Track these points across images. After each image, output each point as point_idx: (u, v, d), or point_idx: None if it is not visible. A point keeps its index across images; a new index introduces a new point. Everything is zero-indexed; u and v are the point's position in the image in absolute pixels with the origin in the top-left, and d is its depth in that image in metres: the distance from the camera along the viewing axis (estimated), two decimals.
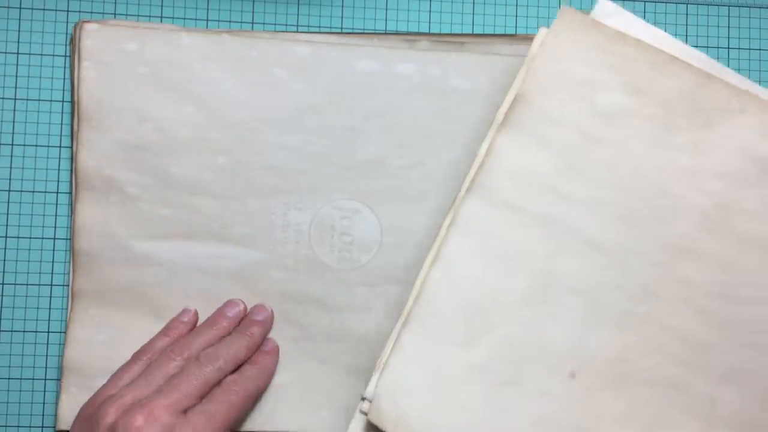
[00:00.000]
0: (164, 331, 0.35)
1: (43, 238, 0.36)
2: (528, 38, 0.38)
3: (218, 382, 0.32)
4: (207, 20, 0.38)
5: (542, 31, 0.32)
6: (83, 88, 0.35)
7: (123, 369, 0.33)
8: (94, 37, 0.35)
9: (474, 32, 0.39)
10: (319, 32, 0.38)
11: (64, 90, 0.37)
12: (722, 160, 0.30)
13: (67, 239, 0.36)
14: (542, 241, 0.31)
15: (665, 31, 0.40)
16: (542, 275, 0.31)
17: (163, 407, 0.30)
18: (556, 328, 0.31)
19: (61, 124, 0.37)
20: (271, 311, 0.36)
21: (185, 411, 0.31)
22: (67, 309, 0.36)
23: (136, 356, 0.34)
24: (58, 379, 0.36)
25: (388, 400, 0.30)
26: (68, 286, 0.36)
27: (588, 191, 0.31)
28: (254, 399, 0.34)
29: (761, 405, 0.30)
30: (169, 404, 0.30)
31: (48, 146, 0.37)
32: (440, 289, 0.31)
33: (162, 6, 0.38)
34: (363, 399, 0.32)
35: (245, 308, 0.36)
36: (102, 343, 0.35)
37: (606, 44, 0.31)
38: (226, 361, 0.33)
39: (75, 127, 0.36)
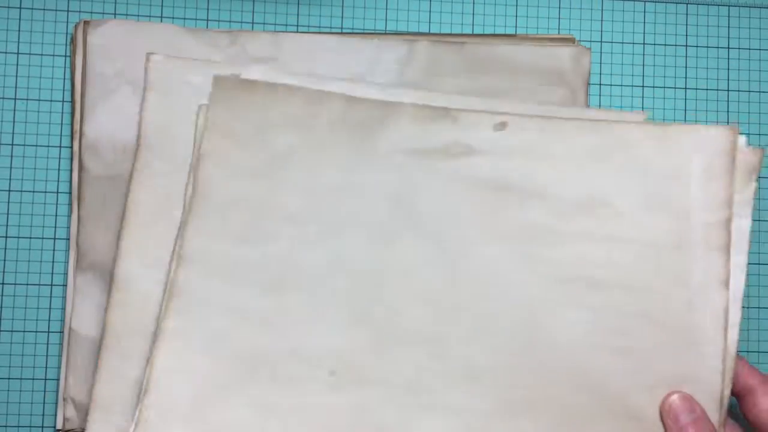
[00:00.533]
0: None
1: (43, 238, 0.36)
2: (528, 38, 0.38)
3: None
4: (207, 20, 0.38)
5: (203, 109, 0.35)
6: (146, 117, 0.35)
7: None
8: (160, 68, 0.35)
9: (474, 32, 0.39)
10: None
11: (64, 90, 0.37)
12: (390, 160, 0.34)
13: (66, 239, 0.36)
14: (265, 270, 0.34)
15: (665, 30, 0.40)
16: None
17: None
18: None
19: (61, 124, 0.37)
20: None
21: None
22: (62, 309, 0.36)
23: None
24: (57, 379, 0.36)
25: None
26: (65, 285, 0.36)
27: (290, 219, 0.34)
28: None
29: None
30: None
31: (48, 146, 0.37)
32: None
33: (162, 6, 0.38)
34: None
35: None
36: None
37: (262, 95, 0.34)
38: None
39: (75, 127, 0.36)
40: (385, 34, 0.38)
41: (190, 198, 0.34)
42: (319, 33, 0.38)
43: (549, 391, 0.33)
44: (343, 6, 0.38)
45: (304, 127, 0.34)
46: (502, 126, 0.34)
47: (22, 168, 0.37)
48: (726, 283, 0.33)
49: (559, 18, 0.39)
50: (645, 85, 0.39)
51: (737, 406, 0.34)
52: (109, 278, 0.34)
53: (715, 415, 0.33)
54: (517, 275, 0.34)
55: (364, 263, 0.34)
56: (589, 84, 0.38)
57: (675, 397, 0.33)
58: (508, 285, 0.34)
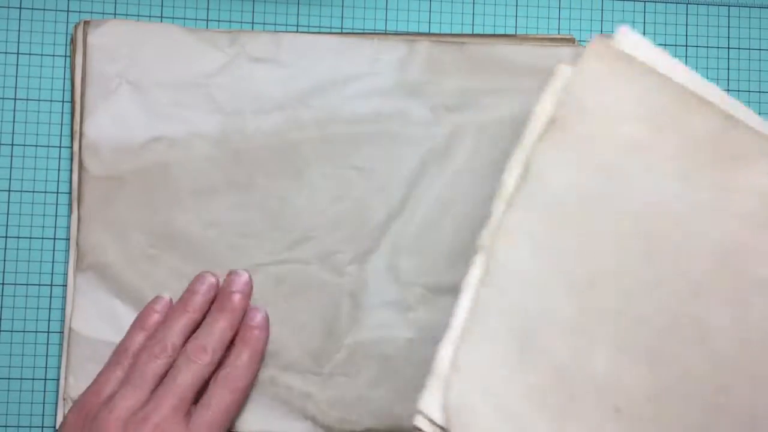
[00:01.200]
0: (139, 324, 0.33)
1: (43, 238, 0.36)
2: (528, 38, 0.38)
3: (211, 375, 0.31)
4: (207, 20, 0.38)
5: (562, 69, 0.32)
6: None
7: (104, 372, 0.32)
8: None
9: (474, 32, 0.39)
10: None
11: (64, 90, 0.37)
12: (741, 202, 0.30)
13: (66, 239, 0.36)
14: (580, 266, 0.30)
15: (665, 30, 0.40)
16: (580, 301, 0.30)
17: (168, 419, 0.29)
18: (596, 358, 0.30)
19: (61, 124, 0.37)
20: (249, 276, 0.34)
21: (186, 414, 0.30)
22: (62, 310, 0.36)
23: (115, 357, 0.32)
24: (57, 379, 0.36)
25: (456, 421, 0.28)
26: (65, 285, 0.36)
27: (611, 222, 0.30)
28: (251, 385, 0.33)
29: None
30: (172, 413, 0.29)
31: (48, 146, 0.37)
32: (492, 310, 0.30)
33: (162, 6, 0.38)
34: (419, 413, 0.29)
35: (218, 280, 0.34)
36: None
37: (635, 78, 0.31)
38: (215, 349, 0.31)
39: (75, 127, 0.36)
40: (385, 34, 0.38)
41: (527, 161, 0.31)
42: (320, 33, 0.38)
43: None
44: (343, 6, 0.38)
45: (664, 129, 0.30)
46: None
47: (22, 168, 0.37)
48: None
49: (559, 18, 0.39)
50: None
51: None
52: (108, 278, 0.35)
53: None
54: None
55: (670, 303, 0.30)
56: None
57: None
58: None
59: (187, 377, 0.30)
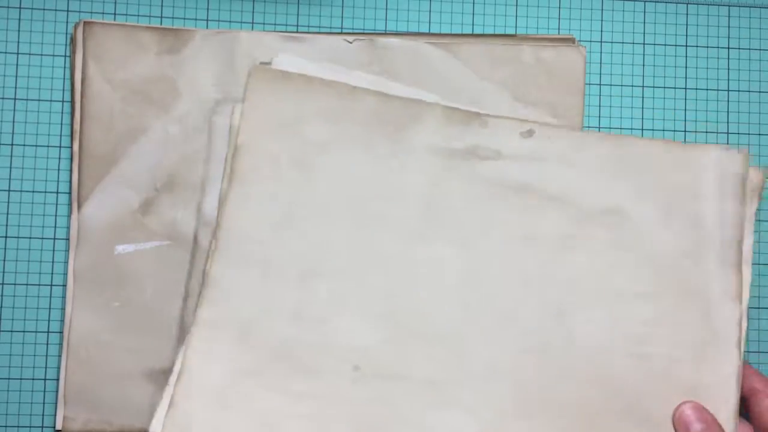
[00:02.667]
0: None
1: (43, 238, 0.36)
2: (528, 38, 0.38)
3: None
4: (207, 20, 0.38)
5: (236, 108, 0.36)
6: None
7: None
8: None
9: (474, 32, 0.39)
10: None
11: (64, 90, 0.37)
12: (419, 158, 0.35)
13: (66, 239, 0.36)
14: (303, 261, 0.35)
15: (665, 30, 0.40)
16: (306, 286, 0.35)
17: None
18: (337, 328, 0.34)
19: (61, 124, 0.37)
20: None
21: None
22: (62, 309, 0.36)
23: None
24: (57, 379, 0.36)
25: None
26: (65, 286, 0.36)
27: (322, 211, 0.35)
28: None
29: None
30: None
31: (48, 146, 0.37)
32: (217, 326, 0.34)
33: (162, 6, 0.38)
34: None
35: None
36: None
37: (297, 87, 0.35)
38: None
39: (75, 126, 0.36)
40: (385, 34, 0.38)
41: (226, 189, 0.35)
42: (315, 33, 0.38)
43: (565, 393, 0.34)
44: (343, 6, 0.38)
45: (338, 121, 0.35)
46: (529, 134, 0.36)
47: (22, 168, 0.37)
48: (739, 298, 0.35)
49: (559, 18, 0.39)
50: (645, 85, 0.39)
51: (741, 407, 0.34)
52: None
53: (729, 423, 0.34)
54: (537, 278, 0.35)
55: (392, 259, 0.35)
56: (585, 82, 0.38)
57: (686, 407, 0.33)
58: (529, 286, 0.35)
59: None
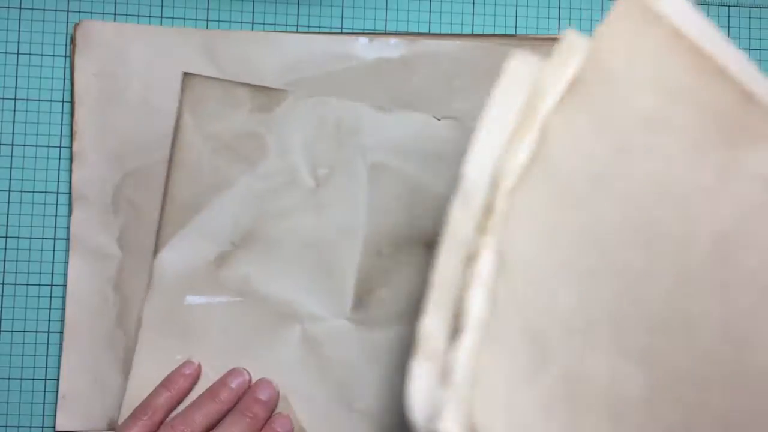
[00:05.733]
0: (165, 384, 0.34)
1: (43, 238, 0.36)
2: (528, 38, 0.38)
3: None
4: (207, 20, 0.38)
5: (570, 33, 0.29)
6: None
7: (125, 425, 0.33)
8: None
9: (474, 32, 0.39)
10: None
11: (64, 90, 0.37)
12: (743, 187, 0.28)
13: (66, 239, 0.36)
14: (582, 257, 0.28)
15: None
16: (580, 296, 0.27)
17: None
18: (596, 362, 0.27)
19: (61, 124, 0.37)
20: (277, 390, 0.35)
21: None
22: (63, 310, 0.36)
23: (137, 413, 0.33)
24: (57, 379, 0.36)
25: None
26: (65, 286, 0.36)
27: (615, 207, 0.28)
28: None
29: None
30: None
31: (48, 146, 0.37)
32: (507, 310, 0.26)
33: (162, 6, 0.38)
34: None
35: (250, 379, 0.35)
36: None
37: (660, 43, 0.28)
38: None
39: (75, 127, 0.36)
40: (385, 34, 0.38)
41: (544, 125, 0.27)
42: (315, 33, 0.38)
43: None
44: (343, 6, 0.38)
45: (679, 102, 0.28)
46: None
47: (22, 168, 0.37)
48: None
49: (559, 18, 0.39)
50: None
51: None
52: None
53: None
54: None
55: (664, 295, 0.28)
56: None
57: None
58: None
59: None
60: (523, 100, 0.27)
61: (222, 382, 0.35)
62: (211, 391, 0.34)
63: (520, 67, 0.28)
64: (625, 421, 0.27)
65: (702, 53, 0.28)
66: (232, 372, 0.35)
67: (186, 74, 0.36)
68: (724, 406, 0.28)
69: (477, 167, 0.26)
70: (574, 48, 0.28)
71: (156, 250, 0.35)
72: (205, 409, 0.33)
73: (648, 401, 0.27)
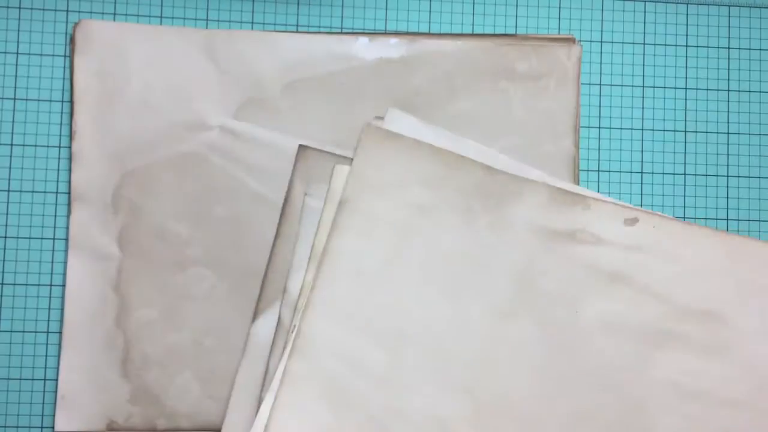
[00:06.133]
0: None
1: (43, 238, 0.36)
2: (528, 38, 0.38)
3: None
4: (207, 20, 0.38)
5: (337, 168, 0.36)
6: None
7: None
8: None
9: (474, 32, 0.39)
10: None
11: (63, 90, 0.37)
12: (517, 234, 0.35)
13: (66, 239, 0.36)
14: (388, 322, 0.34)
15: (665, 30, 0.40)
16: (392, 353, 0.34)
17: None
18: (413, 398, 0.34)
19: (61, 124, 0.37)
20: None
21: None
22: (62, 310, 0.36)
23: None
24: (57, 379, 0.36)
25: None
26: (65, 286, 0.36)
27: (413, 275, 0.35)
28: None
29: None
30: None
31: (48, 146, 0.37)
32: (301, 379, 0.34)
33: (162, 6, 0.38)
34: None
35: None
36: None
37: (406, 150, 0.36)
38: None
39: (75, 127, 0.36)
40: (385, 34, 0.38)
41: (324, 243, 0.35)
42: (315, 33, 0.38)
43: None
44: (343, 6, 0.38)
45: (442, 188, 0.35)
46: (632, 222, 0.35)
47: (22, 168, 0.37)
48: None
49: (559, 18, 0.39)
50: (645, 85, 0.39)
51: None
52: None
53: None
54: (622, 371, 0.34)
55: (478, 332, 0.34)
56: (580, 78, 0.38)
57: None
58: (613, 379, 0.34)
59: None
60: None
61: None
62: None
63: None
64: None
65: (440, 149, 0.36)
66: None
67: (301, 145, 0.36)
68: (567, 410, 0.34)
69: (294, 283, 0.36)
70: (341, 175, 0.36)
71: (254, 317, 0.36)
72: None
73: (475, 420, 0.34)
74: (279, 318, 0.35)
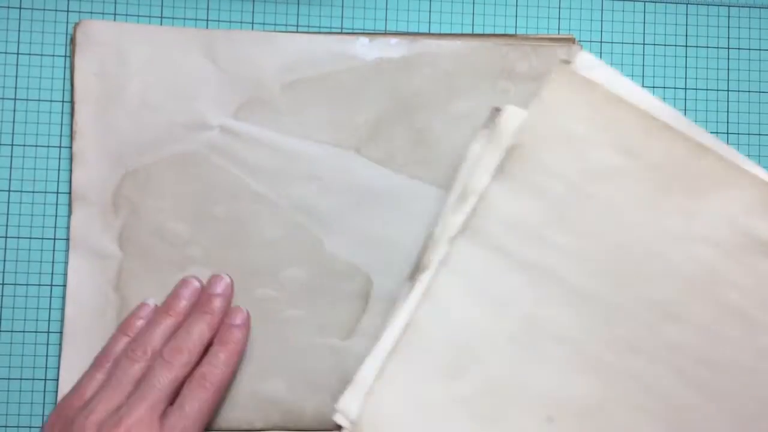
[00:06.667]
0: (122, 330, 0.33)
1: (43, 238, 0.36)
2: (528, 38, 0.38)
3: (188, 375, 0.31)
4: (207, 20, 0.38)
5: (508, 107, 0.33)
6: None
7: (87, 376, 0.32)
8: None
9: (474, 32, 0.39)
10: None
11: (64, 90, 0.37)
12: (711, 229, 0.31)
13: (66, 239, 0.36)
14: (530, 288, 0.31)
15: (665, 30, 0.40)
16: (528, 320, 0.31)
17: (142, 421, 0.29)
18: (539, 372, 0.31)
19: (61, 124, 0.37)
20: (230, 280, 0.35)
21: (161, 416, 0.30)
22: (63, 310, 0.36)
23: (97, 362, 0.32)
24: (57, 379, 0.36)
25: (370, 426, 0.31)
26: (65, 286, 0.36)
27: (577, 243, 0.31)
28: (228, 384, 0.33)
29: None
30: (146, 414, 0.29)
31: (48, 146, 0.37)
32: (430, 325, 0.31)
33: (162, 6, 0.38)
34: (336, 411, 0.31)
35: (202, 284, 0.35)
36: None
37: (600, 104, 0.32)
38: (191, 351, 0.32)
39: (75, 127, 0.36)
40: (385, 34, 0.38)
41: (487, 185, 0.32)
42: (315, 33, 0.38)
43: None
44: (343, 6, 0.38)
45: (633, 157, 0.31)
46: None
47: (22, 168, 0.37)
48: None
49: (559, 18, 0.39)
50: (645, 85, 0.39)
51: None
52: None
53: None
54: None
55: (633, 324, 0.31)
56: None
57: None
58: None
59: (162, 378, 0.30)
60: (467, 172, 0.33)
61: (174, 295, 0.34)
62: (165, 306, 0.34)
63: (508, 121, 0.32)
64: (557, 423, 0.31)
65: (642, 112, 0.31)
66: (182, 283, 0.34)
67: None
68: (707, 427, 0.31)
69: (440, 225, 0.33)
70: (513, 117, 0.32)
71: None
72: (162, 324, 0.33)
73: (601, 410, 0.31)
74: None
